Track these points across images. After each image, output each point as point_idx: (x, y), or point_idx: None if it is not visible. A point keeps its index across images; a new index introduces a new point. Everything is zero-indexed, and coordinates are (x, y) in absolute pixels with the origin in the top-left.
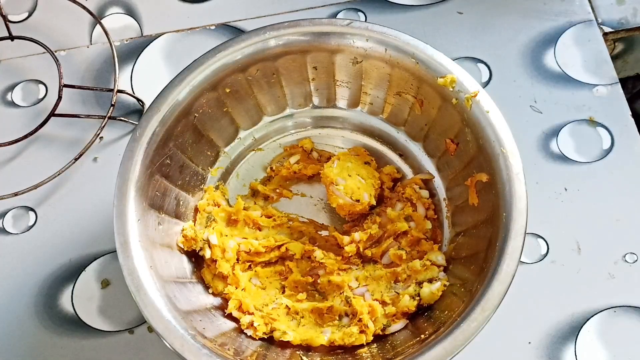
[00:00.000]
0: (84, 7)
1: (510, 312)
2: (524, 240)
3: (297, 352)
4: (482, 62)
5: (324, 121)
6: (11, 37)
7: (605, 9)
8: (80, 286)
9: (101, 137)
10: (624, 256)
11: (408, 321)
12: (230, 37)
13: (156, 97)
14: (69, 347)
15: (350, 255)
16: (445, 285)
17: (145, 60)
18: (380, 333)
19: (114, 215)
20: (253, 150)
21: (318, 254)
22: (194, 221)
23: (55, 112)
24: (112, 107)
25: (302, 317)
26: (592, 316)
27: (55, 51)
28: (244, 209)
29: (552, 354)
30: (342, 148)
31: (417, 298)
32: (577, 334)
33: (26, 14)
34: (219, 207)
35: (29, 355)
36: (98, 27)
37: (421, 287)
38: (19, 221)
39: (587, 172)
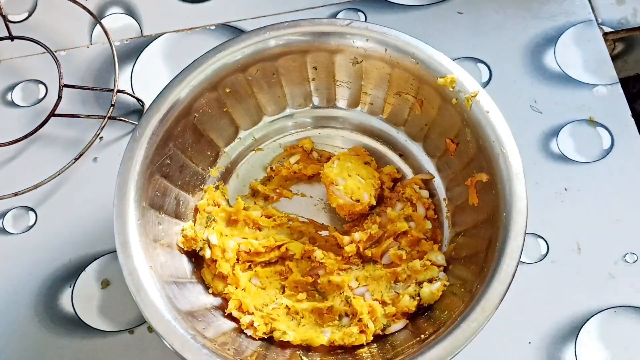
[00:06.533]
0: (84, 7)
1: (510, 312)
2: (524, 240)
3: (297, 352)
4: (482, 62)
5: (324, 121)
6: (11, 37)
7: (605, 9)
8: (80, 286)
9: (101, 137)
10: (624, 256)
11: (408, 321)
12: (230, 37)
13: (156, 97)
14: (69, 347)
15: (350, 255)
16: (445, 285)
17: (145, 60)
18: (380, 333)
19: (114, 215)
20: (253, 150)
21: (318, 254)
22: (194, 221)
23: (55, 112)
24: (112, 107)
25: (302, 317)
26: (592, 316)
27: (55, 51)
28: (244, 209)
29: (552, 354)
30: (342, 148)
31: (417, 298)
32: (577, 334)
33: (26, 14)
34: (219, 207)
35: (29, 355)
36: (98, 27)
37: (421, 287)
38: (19, 221)
39: (587, 172)
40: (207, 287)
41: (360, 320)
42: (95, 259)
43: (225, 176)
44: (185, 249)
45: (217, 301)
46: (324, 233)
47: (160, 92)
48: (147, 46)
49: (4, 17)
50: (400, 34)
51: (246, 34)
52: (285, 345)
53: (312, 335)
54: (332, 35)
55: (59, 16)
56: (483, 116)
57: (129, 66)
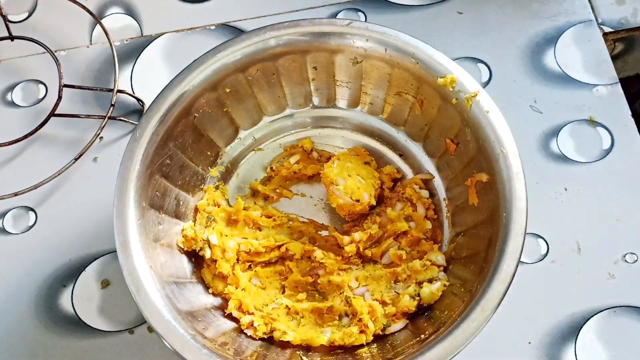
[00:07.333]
0: (84, 7)
1: (510, 312)
2: (524, 240)
3: (297, 352)
4: (482, 62)
5: (324, 121)
6: (11, 37)
7: (605, 9)
8: (80, 286)
9: (101, 137)
10: (624, 256)
11: (408, 321)
12: (230, 37)
13: (156, 97)
14: (69, 347)
15: (350, 255)
16: (445, 285)
17: (145, 60)
18: (380, 333)
19: (114, 215)
20: (253, 150)
21: (318, 254)
22: (194, 221)
23: (55, 112)
24: (112, 107)
25: (302, 317)
26: (592, 316)
27: (55, 51)
28: (244, 209)
29: (552, 354)
30: (342, 148)
31: (417, 298)
32: (577, 334)
33: (26, 14)
34: (219, 207)
35: (29, 355)
36: (98, 27)
37: (421, 287)
38: (19, 221)
39: (587, 172)
40: (207, 287)
41: (360, 320)
42: (95, 259)
43: (225, 176)
44: (185, 249)
45: (217, 301)
46: (324, 233)
47: (160, 92)
48: (147, 46)
49: (4, 17)
50: (400, 34)
51: (246, 34)
52: (285, 345)
53: (312, 335)
54: (332, 35)
55: (59, 16)
56: (483, 116)
57: (129, 66)
